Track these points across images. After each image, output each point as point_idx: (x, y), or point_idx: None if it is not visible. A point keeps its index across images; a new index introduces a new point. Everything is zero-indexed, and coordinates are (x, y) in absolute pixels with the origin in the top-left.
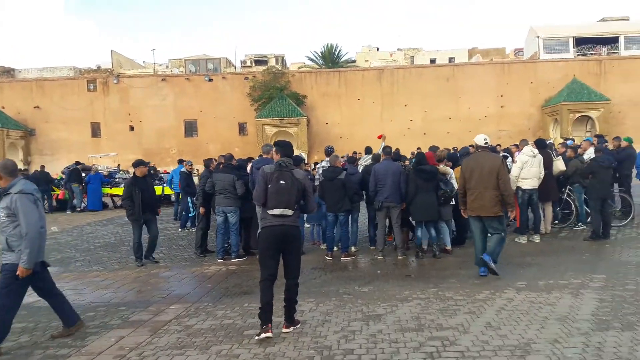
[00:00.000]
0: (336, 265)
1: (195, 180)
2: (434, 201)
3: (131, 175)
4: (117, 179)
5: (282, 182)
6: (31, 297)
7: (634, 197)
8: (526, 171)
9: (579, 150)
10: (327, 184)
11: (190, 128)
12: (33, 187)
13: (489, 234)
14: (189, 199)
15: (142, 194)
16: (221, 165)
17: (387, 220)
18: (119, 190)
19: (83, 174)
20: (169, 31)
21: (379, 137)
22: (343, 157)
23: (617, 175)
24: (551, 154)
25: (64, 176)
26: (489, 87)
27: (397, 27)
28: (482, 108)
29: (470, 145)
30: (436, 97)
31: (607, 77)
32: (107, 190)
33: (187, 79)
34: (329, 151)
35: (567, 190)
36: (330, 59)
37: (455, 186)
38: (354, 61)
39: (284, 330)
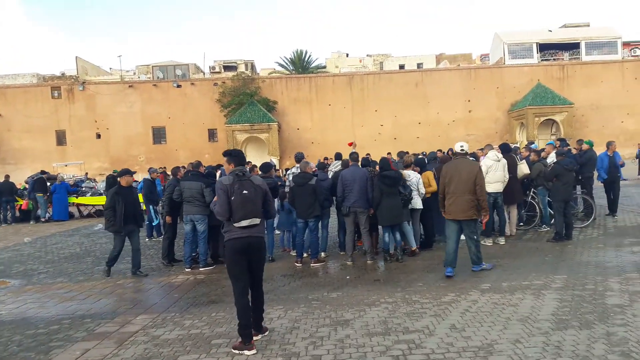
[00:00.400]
0: (306, 271)
1: None
2: (399, 205)
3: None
4: (83, 188)
5: (245, 192)
6: None
7: (595, 198)
8: (491, 175)
9: (543, 154)
10: (297, 190)
11: (159, 135)
12: None
13: (462, 237)
14: (151, 207)
15: (125, 205)
16: (189, 174)
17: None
18: (85, 200)
19: (48, 183)
20: (136, 37)
21: (350, 145)
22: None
23: (580, 178)
24: (515, 158)
25: (27, 186)
26: (456, 92)
27: (366, 33)
28: (450, 113)
29: (438, 150)
30: (405, 102)
31: (569, 81)
32: (73, 199)
33: (155, 85)
34: (299, 157)
35: (531, 193)
36: (300, 64)
37: (414, 190)
38: (324, 67)
39: (254, 338)
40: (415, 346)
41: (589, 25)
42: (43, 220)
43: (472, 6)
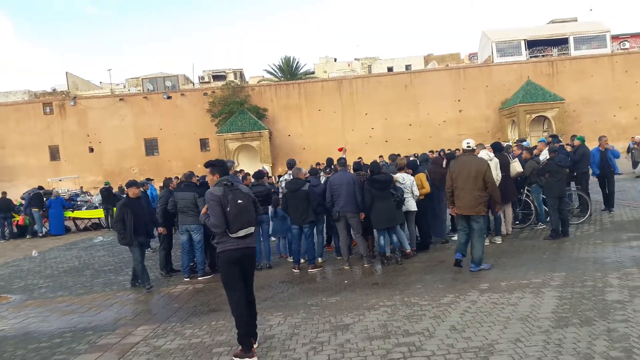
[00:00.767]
0: (304, 277)
1: None
2: (392, 207)
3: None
4: (78, 202)
5: (239, 201)
6: None
7: (591, 194)
8: None
9: (535, 151)
10: (290, 196)
11: (151, 147)
12: None
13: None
14: None
15: (134, 217)
16: (182, 184)
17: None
18: (81, 214)
19: (44, 199)
20: (125, 50)
21: (340, 150)
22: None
23: (575, 174)
24: (507, 156)
25: (23, 202)
26: (446, 92)
27: (353, 38)
28: (441, 113)
29: (430, 151)
30: (395, 104)
31: (559, 77)
32: (69, 214)
33: (145, 97)
34: (291, 164)
35: (525, 191)
36: (289, 71)
37: (408, 192)
38: (313, 72)
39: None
40: (415, 349)
41: (576, 20)
42: (40, 235)
43: (458, 6)
